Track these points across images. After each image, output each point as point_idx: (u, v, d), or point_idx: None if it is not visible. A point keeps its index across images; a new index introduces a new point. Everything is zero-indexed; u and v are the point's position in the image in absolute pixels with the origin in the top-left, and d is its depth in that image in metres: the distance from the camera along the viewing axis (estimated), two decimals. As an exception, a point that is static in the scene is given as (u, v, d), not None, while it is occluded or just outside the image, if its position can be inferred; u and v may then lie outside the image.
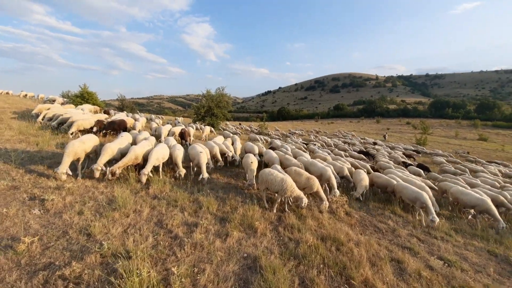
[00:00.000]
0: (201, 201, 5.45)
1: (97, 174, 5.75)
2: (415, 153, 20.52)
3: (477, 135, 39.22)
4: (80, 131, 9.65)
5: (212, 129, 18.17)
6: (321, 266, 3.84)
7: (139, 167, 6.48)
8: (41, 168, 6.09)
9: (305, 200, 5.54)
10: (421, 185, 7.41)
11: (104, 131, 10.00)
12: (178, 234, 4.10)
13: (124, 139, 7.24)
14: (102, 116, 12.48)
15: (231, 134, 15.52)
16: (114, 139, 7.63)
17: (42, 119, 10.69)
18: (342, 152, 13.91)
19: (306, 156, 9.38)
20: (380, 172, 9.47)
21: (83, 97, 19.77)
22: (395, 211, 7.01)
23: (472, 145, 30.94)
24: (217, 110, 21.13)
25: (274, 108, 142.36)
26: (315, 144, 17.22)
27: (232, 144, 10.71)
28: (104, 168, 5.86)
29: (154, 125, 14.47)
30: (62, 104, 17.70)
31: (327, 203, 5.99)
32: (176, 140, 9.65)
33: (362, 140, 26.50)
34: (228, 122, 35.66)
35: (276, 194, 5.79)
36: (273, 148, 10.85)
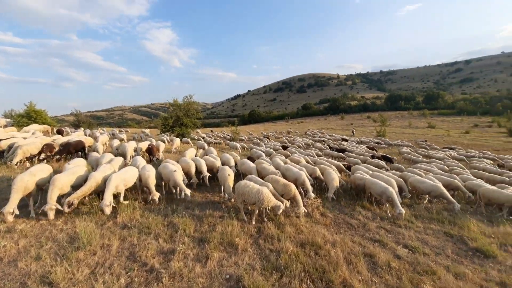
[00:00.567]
0: (176, 224, 5.23)
1: (51, 215, 4.99)
2: (377, 145, 22.43)
3: (427, 123, 44.10)
4: (27, 158, 8.55)
5: (189, 140, 17.58)
6: (303, 274, 3.95)
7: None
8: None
9: (281, 207, 5.66)
10: (389, 179, 8.04)
11: (58, 156, 9.00)
12: (154, 266, 3.87)
13: (78, 167, 6.34)
14: (54, 138, 11.24)
15: (205, 145, 14.84)
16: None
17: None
18: (315, 151, 14.58)
19: (281, 162, 9.57)
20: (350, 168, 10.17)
21: (29, 117, 17.69)
22: (364, 206, 7.52)
23: (423, 133, 34.68)
24: (186, 119, 20.54)
25: (245, 112, 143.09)
26: (289, 147, 17.63)
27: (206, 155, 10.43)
28: (58, 206, 5.10)
29: (115, 142, 12.39)
30: (5, 126, 15.58)
31: (303, 208, 6.19)
32: (145, 157, 9.11)
33: (329, 137, 27.98)
34: (199, 130, 34.86)
35: (254, 206, 5.83)
36: (250, 158, 10.62)
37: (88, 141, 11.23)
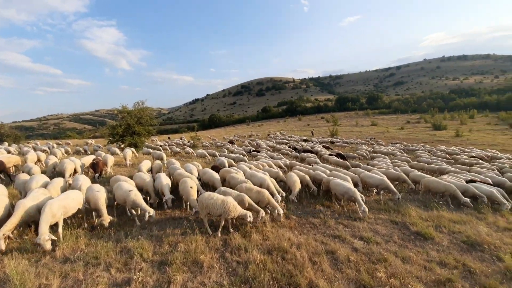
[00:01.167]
0: (131, 248, 4.69)
1: None
2: (331, 143, 24.34)
3: (370, 121, 49.68)
4: None
5: (150, 151, 16.04)
6: (271, 282, 3.95)
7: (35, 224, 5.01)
8: None
9: (249, 216, 5.59)
10: (345, 177, 8.68)
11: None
12: (105, 303, 3.38)
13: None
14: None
15: (163, 155, 13.43)
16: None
17: None
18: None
19: (247, 169, 9.47)
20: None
21: None
22: (323, 203, 7.98)
23: (368, 131, 38.99)
24: (138, 127, 18.88)
25: (204, 116, 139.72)
26: (260, 151, 17.64)
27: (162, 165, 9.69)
28: None
29: (51, 160, 10.16)
30: None
31: (281, 211, 6.23)
32: (90, 174, 7.99)
33: (289, 138, 29.24)
34: (155, 138, 32.56)
35: (220, 218, 5.62)
36: (215, 167, 10.01)
37: (12, 160, 9.35)
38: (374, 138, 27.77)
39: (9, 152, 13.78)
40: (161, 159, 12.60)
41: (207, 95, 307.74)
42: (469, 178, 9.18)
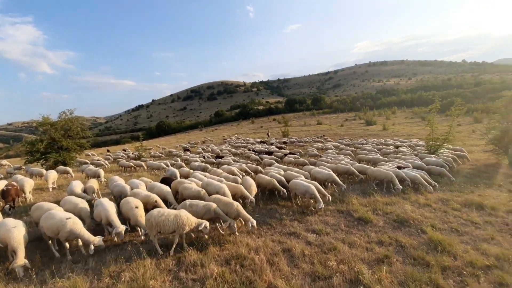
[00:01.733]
0: (60, 289, 3.89)
1: None
2: (284, 144, 25.47)
3: (316, 121, 54.27)
4: None
5: (69, 169, 13.55)
6: (230, 294, 3.81)
7: None
8: None
9: (205, 224, 5.30)
10: (298, 175, 9.12)
11: None
12: None
13: None
14: None
15: (100, 172, 11.38)
16: None
17: None
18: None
19: (203, 177, 9.04)
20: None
21: None
22: (278, 203, 8.22)
23: (315, 129, 42.42)
24: (66, 142, 16.11)
25: (151, 124, 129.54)
26: (224, 156, 17.05)
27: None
28: None
29: None
30: None
31: (252, 221, 5.84)
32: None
33: (244, 142, 29.46)
34: (93, 152, 28.43)
35: (174, 234, 5.16)
36: (166, 179, 9.23)
37: None
38: (323, 136, 30.34)
39: None
40: (98, 176, 10.93)
41: (153, 100, 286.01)
42: (397, 165, 10.81)
